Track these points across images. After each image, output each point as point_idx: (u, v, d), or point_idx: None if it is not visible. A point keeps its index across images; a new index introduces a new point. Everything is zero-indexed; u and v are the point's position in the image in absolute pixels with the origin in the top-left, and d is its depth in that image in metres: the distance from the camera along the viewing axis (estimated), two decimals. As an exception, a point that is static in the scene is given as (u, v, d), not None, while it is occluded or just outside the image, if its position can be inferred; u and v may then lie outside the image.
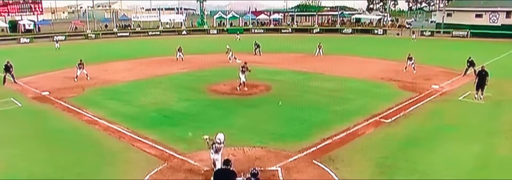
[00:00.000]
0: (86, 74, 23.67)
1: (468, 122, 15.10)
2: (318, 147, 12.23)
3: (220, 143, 9.76)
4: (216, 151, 9.82)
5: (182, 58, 31.50)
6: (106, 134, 13.86)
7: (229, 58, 30.03)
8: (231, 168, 8.31)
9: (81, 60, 23.71)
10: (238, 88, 20.12)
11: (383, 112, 16.10)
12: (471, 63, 23.57)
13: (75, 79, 23.10)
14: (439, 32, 56.58)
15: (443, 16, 57.91)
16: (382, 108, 16.54)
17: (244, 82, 20.18)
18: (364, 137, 13.37)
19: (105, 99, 19.17)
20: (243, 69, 20.10)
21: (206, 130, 13.88)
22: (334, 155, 11.61)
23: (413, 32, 53.24)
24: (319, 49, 34.42)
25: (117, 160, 11.50)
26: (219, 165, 9.45)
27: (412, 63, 24.95)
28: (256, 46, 35.56)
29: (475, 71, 22.99)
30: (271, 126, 14.51)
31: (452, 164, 11.06)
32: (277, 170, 10.57)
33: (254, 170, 8.07)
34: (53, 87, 21.61)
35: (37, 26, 61.83)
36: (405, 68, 25.12)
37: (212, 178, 8.32)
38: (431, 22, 75.18)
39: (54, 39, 48.17)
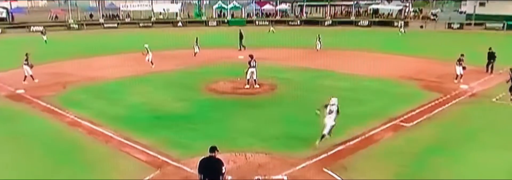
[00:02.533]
0: (31, 75, 22.37)
1: (502, 126, 15.10)
2: (329, 153, 12.28)
3: (334, 104, 12.53)
4: (330, 112, 12.36)
5: (195, 52, 31.64)
6: (90, 137, 13.93)
7: (151, 62, 27.15)
8: (217, 156, 8.40)
9: (27, 55, 22.36)
10: (256, 86, 20.70)
11: (403, 114, 16.14)
12: (491, 56, 23.50)
13: (35, 80, 22.27)
14: (469, 24, 56.43)
15: (475, 6, 57.60)
16: (402, 111, 16.57)
17: (248, 80, 20.59)
18: (381, 142, 13.41)
19: (89, 98, 19.27)
20: (251, 63, 20.43)
21: (203, 133, 14.10)
22: (347, 162, 11.67)
23: (402, 26, 53.00)
24: (317, 40, 35.14)
25: (103, 167, 11.56)
26: (326, 130, 12.46)
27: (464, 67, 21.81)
28: (240, 38, 35.49)
29: (491, 66, 23.10)
30: (276, 129, 14.58)
31: (483, 175, 11.03)
32: (283, 179, 10.64)
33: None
34: (29, 84, 21.74)
35: (10, 14, 62.05)
36: (458, 78, 21.88)
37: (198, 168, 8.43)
38: (461, 12, 75.07)
39: (41, 31, 46.92)
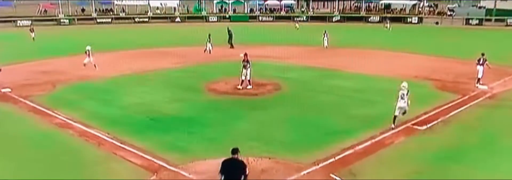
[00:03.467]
0: None
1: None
2: (336, 158, 12.29)
3: (404, 89, 14.62)
4: (402, 97, 14.63)
5: (210, 50, 31.85)
6: (82, 140, 13.95)
7: (94, 65, 25.14)
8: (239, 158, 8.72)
9: None
10: (239, 87, 20.49)
11: (416, 117, 16.12)
12: None
13: None
14: (489, 20, 56.37)
15: (496, 0, 57.45)
16: (415, 113, 16.49)
17: (243, 80, 20.46)
18: (392, 147, 13.40)
19: (81, 98, 19.33)
20: (244, 63, 20.37)
21: (202, 135, 14.15)
22: (356, 168, 11.67)
23: (387, 22, 53.90)
24: (325, 37, 35.46)
25: (95, 171, 11.58)
26: (397, 112, 14.75)
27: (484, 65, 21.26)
28: (229, 36, 35.50)
29: None
30: (281, 132, 14.61)
31: (502, 182, 11.02)
32: (287, 185, 10.68)
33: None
34: (16, 83, 21.74)
35: (-5, 7, 62.53)
36: (478, 82, 21.18)
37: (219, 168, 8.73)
38: (480, 7, 74.92)
39: (29, 28, 43.36)
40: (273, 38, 35.52)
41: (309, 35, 37.94)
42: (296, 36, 38.33)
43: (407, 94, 14.74)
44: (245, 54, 20.76)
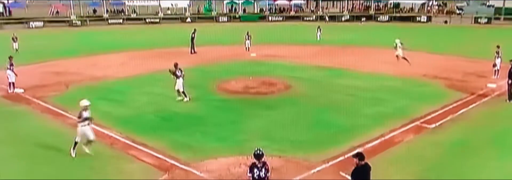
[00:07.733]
0: (13, 83, 20.47)
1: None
2: (346, 156, 12.25)
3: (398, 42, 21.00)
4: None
5: (248, 47, 32.24)
6: (95, 140, 14.08)
7: None
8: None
9: (10, 59, 20.64)
10: (186, 99, 18.69)
11: (425, 115, 16.09)
12: None
13: (16, 90, 20.48)
14: (498, 18, 55.87)
15: (504, -1, 57.07)
16: (424, 111, 16.52)
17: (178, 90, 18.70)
18: (402, 145, 13.39)
19: (93, 99, 19.00)
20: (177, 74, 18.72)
21: (213, 134, 14.23)
22: (366, 166, 11.67)
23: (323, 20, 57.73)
24: (319, 32, 37.26)
25: (108, 171, 11.72)
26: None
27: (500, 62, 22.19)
28: (192, 36, 33.23)
29: None
30: (291, 131, 14.57)
31: (512, 181, 10.96)
32: (297, 183, 10.72)
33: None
34: (29, 84, 21.86)
35: (7, 8, 62.54)
36: (497, 73, 22.40)
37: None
38: (489, 6, 74.32)
39: (12, 37, 34.19)
40: (283, 37, 35.44)
41: (302, 35, 38.08)
42: (305, 35, 38.26)
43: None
44: (175, 64, 19.00)
